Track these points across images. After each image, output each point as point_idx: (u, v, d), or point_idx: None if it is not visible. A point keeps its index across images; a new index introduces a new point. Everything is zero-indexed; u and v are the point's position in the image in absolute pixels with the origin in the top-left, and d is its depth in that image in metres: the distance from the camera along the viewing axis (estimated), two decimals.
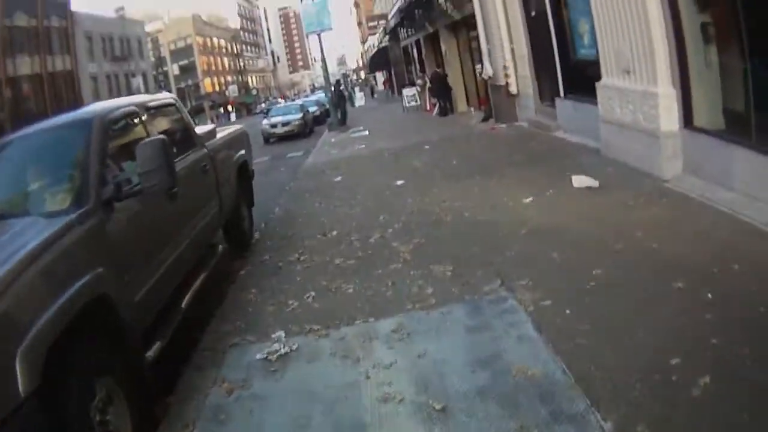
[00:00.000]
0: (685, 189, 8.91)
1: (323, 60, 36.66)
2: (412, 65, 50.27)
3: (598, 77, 12.41)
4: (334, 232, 10.43)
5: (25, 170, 6.41)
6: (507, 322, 5.69)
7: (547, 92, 18.57)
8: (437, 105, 30.66)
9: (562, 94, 16.60)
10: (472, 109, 28.95)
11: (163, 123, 8.32)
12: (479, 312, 6.03)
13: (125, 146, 6.71)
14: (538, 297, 6.05)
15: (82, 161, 5.77)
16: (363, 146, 23.21)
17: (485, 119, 23.51)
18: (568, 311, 5.66)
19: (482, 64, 22.35)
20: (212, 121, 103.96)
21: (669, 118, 9.71)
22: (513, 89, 20.81)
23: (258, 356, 6.06)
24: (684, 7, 9.24)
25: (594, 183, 9.98)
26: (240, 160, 11.41)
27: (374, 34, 73.29)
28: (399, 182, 13.99)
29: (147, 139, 5.97)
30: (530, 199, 9.97)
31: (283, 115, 38.32)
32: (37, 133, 6.87)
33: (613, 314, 5.46)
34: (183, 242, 7.20)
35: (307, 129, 37.93)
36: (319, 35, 35.84)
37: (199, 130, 10.22)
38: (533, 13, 18.35)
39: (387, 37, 56.69)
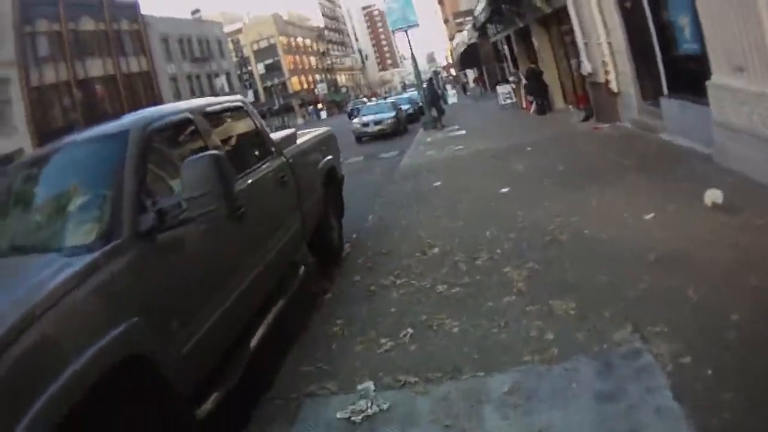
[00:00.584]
0: None
1: (413, 57, 35.62)
2: (503, 62, 48.25)
3: (705, 74, 11.09)
4: (435, 250, 9.26)
5: (48, 194, 5.47)
6: (643, 387, 4.51)
7: (649, 90, 17.07)
8: (534, 102, 29.32)
9: (666, 92, 15.20)
10: (571, 107, 27.47)
11: (228, 131, 7.45)
12: (610, 370, 4.84)
13: (175, 163, 5.63)
14: (677, 351, 4.86)
15: (115, 183, 4.73)
16: (461, 147, 22.05)
17: (586, 118, 22.24)
18: (709, 371, 4.50)
19: (580, 60, 21.14)
20: (303, 119, 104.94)
21: None
22: (614, 87, 19.30)
23: (339, 415, 5.02)
24: None
25: (719, 198, 8.70)
26: (327, 167, 10.51)
27: (461, 31, 71.96)
28: (504, 190, 12.80)
29: (194, 156, 4.86)
30: (652, 215, 8.65)
31: (376, 114, 37.10)
32: (65, 148, 5.84)
33: (758, 376, 4.31)
34: (254, 270, 6.16)
35: (400, 127, 36.83)
36: (405, 32, 34.84)
37: (277, 135, 9.34)
38: (629, 5, 16.92)
39: (476, 34, 55.46)
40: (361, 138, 35.50)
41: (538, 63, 29.64)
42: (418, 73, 36.27)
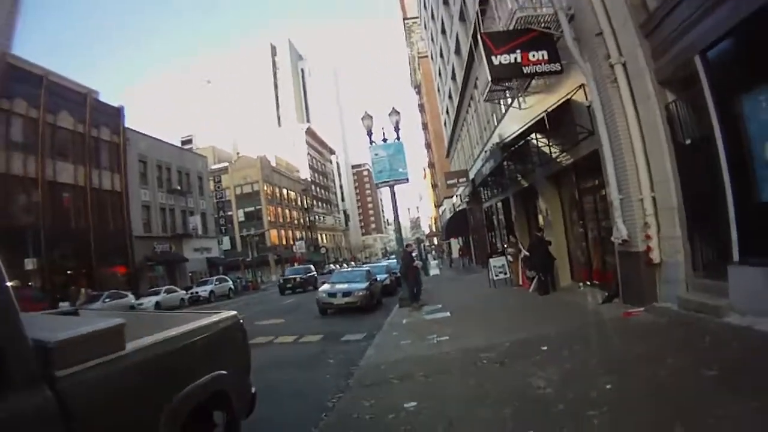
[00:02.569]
0: None
1: (395, 213, 30.37)
2: (494, 231, 44.74)
3: None
4: None
5: None
6: None
7: (705, 258, 13.89)
8: (535, 279, 24.10)
9: (736, 257, 11.65)
10: (580, 284, 22.63)
11: None
12: None
13: None
14: None
15: None
16: (446, 338, 16.38)
17: (609, 299, 17.37)
18: None
19: (613, 223, 16.39)
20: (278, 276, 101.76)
21: None
22: (655, 256, 15.05)
23: None
24: None
25: None
26: (204, 391, 5.96)
27: (450, 197, 69.76)
28: None
29: None
30: None
31: (347, 283, 31.46)
32: None
33: None
34: None
35: (373, 301, 31.12)
36: (392, 187, 29.57)
37: (73, 331, 4.67)
38: (688, 141, 13.83)
39: (467, 199, 51.72)
40: (325, 310, 29.98)
41: (543, 231, 24.79)
42: (399, 236, 31.21)
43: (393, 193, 29.98)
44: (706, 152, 12.42)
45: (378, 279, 35.75)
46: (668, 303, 14.33)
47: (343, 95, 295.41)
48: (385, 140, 29.64)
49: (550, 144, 21.58)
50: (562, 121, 18.73)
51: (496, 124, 33.18)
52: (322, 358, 16.79)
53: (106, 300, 43.04)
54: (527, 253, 25.36)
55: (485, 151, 35.39)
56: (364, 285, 30.79)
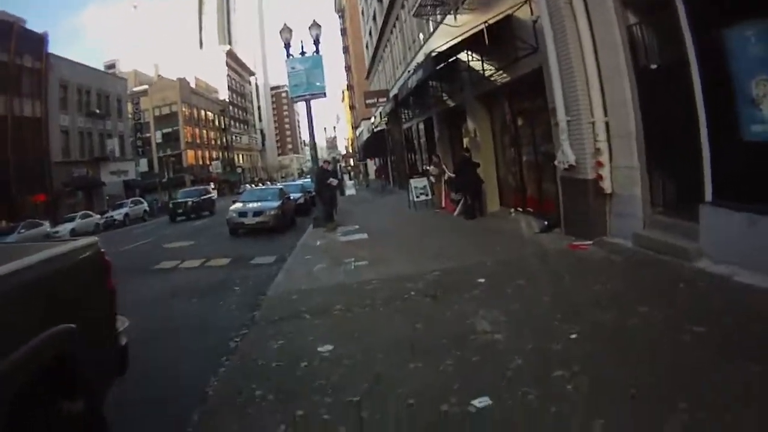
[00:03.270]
0: None
1: (311, 130, 28.59)
2: (415, 152, 43.59)
3: None
4: None
5: None
6: None
7: (668, 194, 12.39)
8: (461, 202, 22.63)
9: (709, 197, 10.20)
10: (512, 211, 21.00)
11: None
12: None
13: None
14: None
15: None
16: (364, 263, 14.76)
17: (548, 228, 15.97)
18: None
19: (558, 146, 14.76)
20: None
21: None
22: (606, 186, 13.52)
23: None
24: None
25: None
26: (36, 359, 4.08)
27: (368, 118, 70.41)
28: (478, 402, 5.65)
29: None
30: None
31: (258, 201, 29.84)
32: None
33: None
34: None
35: (286, 221, 29.68)
36: (308, 102, 27.78)
37: None
38: (654, 66, 12.00)
39: (386, 119, 50.89)
40: (236, 230, 28.48)
41: (471, 152, 23.09)
42: (314, 153, 29.87)
43: (309, 109, 28.40)
44: (674, 80, 10.96)
45: (292, 198, 34.50)
46: (620, 239, 13.02)
47: (266, 19, 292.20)
48: (303, 53, 27.86)
49: (484, 61, 19.89)
50: (500, 38, 17.13)
51: (422, 43, 31.84)
52: (228, 285, 15.25)
53: (22, 230, 41.45)
54: (452, 175, 23.85)
55: (408, 71, 33.77)
56: (277, 204, 29.34)
